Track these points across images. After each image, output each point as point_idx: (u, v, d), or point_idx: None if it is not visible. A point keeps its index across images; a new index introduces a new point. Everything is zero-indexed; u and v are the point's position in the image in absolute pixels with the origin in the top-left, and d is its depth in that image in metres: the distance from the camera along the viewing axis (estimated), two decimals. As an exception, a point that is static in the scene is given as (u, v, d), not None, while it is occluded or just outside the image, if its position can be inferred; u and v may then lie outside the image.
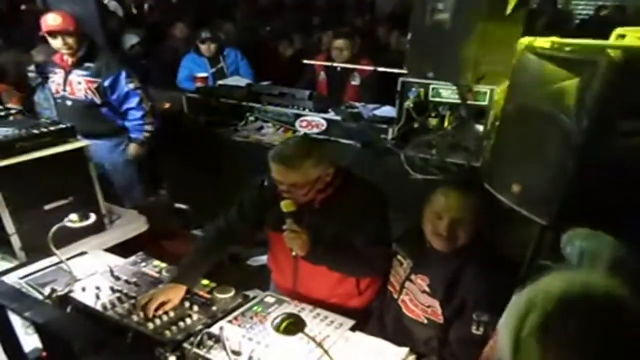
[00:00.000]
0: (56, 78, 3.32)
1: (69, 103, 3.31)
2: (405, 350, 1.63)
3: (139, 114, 3.32)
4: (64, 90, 3.30)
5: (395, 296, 1.95)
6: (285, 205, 1.81)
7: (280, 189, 1.83)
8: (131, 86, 3.26)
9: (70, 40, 3.14)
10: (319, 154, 1.80)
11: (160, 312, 1.71)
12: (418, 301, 1.85)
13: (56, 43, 3.15)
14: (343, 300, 2.03)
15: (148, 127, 3.38)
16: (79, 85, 3.24)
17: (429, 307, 1.82)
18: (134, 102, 3.29)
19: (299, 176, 1.76)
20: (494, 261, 1.79)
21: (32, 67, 4.58)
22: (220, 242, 2.09)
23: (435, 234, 1.77)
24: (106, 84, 3.22)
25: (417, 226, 1.88)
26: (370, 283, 2.10)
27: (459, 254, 1.77)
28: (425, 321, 1.84)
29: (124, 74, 3.24)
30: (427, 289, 1.81)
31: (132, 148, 3.43)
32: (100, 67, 3.22)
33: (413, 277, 1.87)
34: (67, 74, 3.26)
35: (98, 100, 3.26)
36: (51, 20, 3.10)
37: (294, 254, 1.85)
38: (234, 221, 2.07)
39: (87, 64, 3.23)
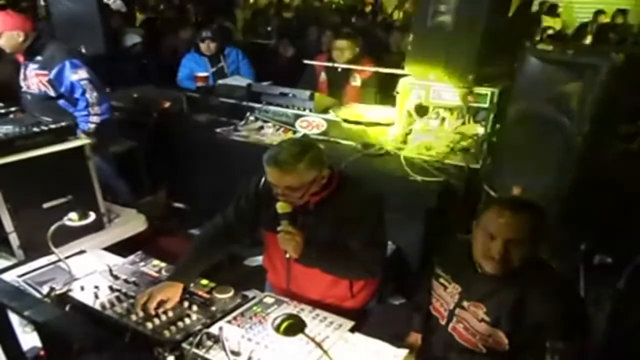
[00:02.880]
0: (20, 73, 3.35)
1: (29, 97, 3.33)
2: (404, 351, 1.63)
3: (82, 104, 3.28)
4: (24, 84, 3.33)
5: (443, 322, 1.81)
6: (281, 207, 1.79)
7: (275, 192, 1.80)
8: (74, 77, 3.21)
9: (5, 43, 3.14)
10: (314, 156, 1.75)
11: (160, 311, 1.71)
12: (474, 329, 1.70)
13: None
14: (336, 302, 2.02)
15: (93, 118, 3.31)
16: (33, 78, 3.26)
17: (489, 336, 1.67)
18: (77, 92, 3.26)
19: (293, 179, 1.73)
20: (559, 282, 1.66)
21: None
22: (217, 241, 2.06)
23: (486, 257, 1.61)
24: (52, 76, 3.21)
25: (459, 245, 1.77)
26: (364, 286, 2.09)
27: (517, 278, 1.61)
28: (484, 350, 1.70)
29: (67, 65, 3.20)
30: (486, 317, 1.66)
31: None
32: (47, 59, 3.22)
33: (465, 303, 1.72)
34: (24, 68, 3.29)
35: (52, 93, 3.26)
36: None
37: (287, 255, 1.83)
38: (231, 220, 2.05)
39: (37, 57, 3.22)
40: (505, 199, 1.74)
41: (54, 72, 3.19)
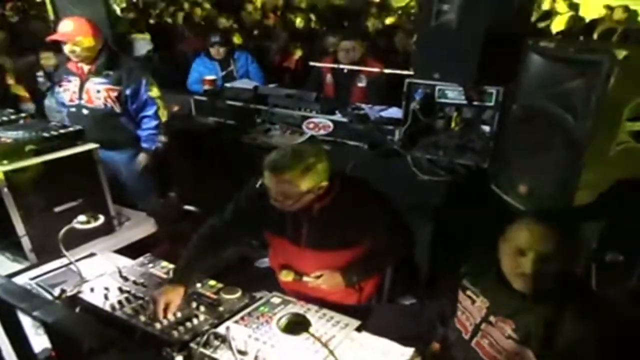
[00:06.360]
0: (70, 86, 3.19)
1: (85, 112, 3.17)
2: (411, 350, 1.63)
3: (153, 123, 3.22)
4: (80, 99, 3.17)
5: (466, 337, 1.74)
6: (284, 275, 2.01)
7: (269, 194, 1.83)
8: (150, 94, 3.17)
9: (77, 49, 3.01)
10: (312, 168, 1.77)
11: (169, 315, 1.72)
12: (501, 347, 1.62)
13: (65, 49, 3.05)
14: (340, 298, 2.04)
15: (162, 137, 3.28)
16: (98, 93, 3.12)
17: (516, 354, 1.58)
18: (150, 110, 3.19)
19: (287, 186, 1.77)
20: (595, 303, 1.56)
21: (41, 72, 4.65)
22: (215, 241, 2.05)
23: (516, 274, 1.54)
24: (128, 92, 3.13)
25: (489, 260, 1.67)
26: (368, 281, 2.12)
27: (550, 295, 1.53)
28: None
29: (144, 82, 3.15)
30: (514, 335, 1.58)
31: (142, 157, 3.30)
32: (121, 75, 3.11)
33: (492, 318, 1.65)
34: (83, 81, 3.14)
35: (118, 109, 3.16)
36: (61, 26, 3.03)
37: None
38: (229, 220, 2.05)
39: (106, 72, 3.11)
40: (533, 211, 1.66)
41: (130, 88, 3.12)
